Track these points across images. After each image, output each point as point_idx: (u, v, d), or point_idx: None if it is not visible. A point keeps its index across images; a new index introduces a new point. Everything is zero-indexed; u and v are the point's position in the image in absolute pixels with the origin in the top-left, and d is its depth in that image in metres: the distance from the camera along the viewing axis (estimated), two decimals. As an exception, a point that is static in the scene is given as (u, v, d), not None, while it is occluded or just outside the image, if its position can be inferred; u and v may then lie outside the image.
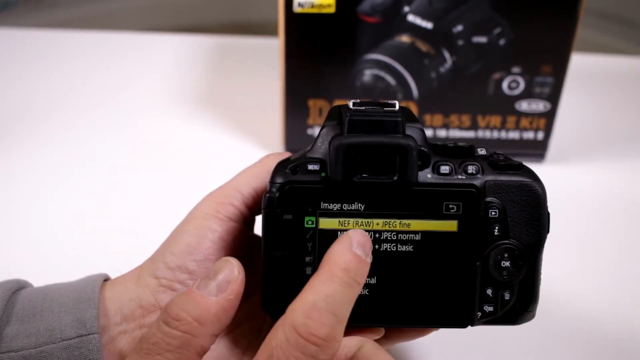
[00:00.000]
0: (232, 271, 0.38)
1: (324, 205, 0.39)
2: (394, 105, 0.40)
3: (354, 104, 0.40)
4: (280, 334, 0.34)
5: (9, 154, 0.75)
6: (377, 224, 0.40)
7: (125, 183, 0.71)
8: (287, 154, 0.42)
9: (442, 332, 0.45)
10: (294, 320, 0.34)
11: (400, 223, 0.40)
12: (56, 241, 0.63)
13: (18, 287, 0.43)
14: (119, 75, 0.91)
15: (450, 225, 0.40)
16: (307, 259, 0.40)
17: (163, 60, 0.96)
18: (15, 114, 0.82)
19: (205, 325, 0.36)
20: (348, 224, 0.40)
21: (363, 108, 0.39)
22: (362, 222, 0.40)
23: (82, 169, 0.73)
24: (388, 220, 0.40)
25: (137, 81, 0.90)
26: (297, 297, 0.36)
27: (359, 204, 0.39)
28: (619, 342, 0.54)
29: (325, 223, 0.40)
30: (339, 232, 0.39)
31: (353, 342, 0.38)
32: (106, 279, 0.44)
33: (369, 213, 0.40)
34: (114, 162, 0.74)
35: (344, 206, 0.39)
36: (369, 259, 0.38)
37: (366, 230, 0.40)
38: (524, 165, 0.41)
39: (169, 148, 0.77)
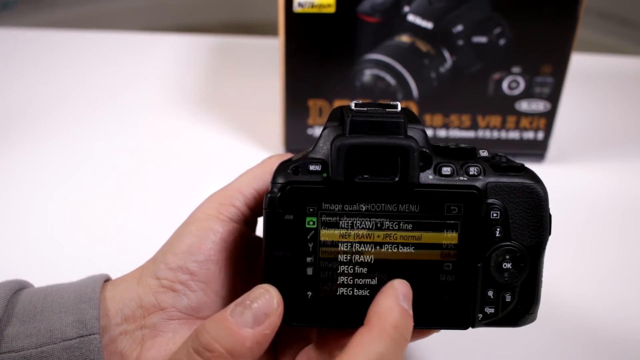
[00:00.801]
0: (271, 302, 0.36)
1: (325, 205, 0.39)
2: (395, 107, 0.40)
3: (355, 105, 0.40)
4: None
5: (9, 154, 0.75)
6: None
7: (125, 183, 0.71)
8: (289, 156, 0.42)
9: (443, 333, 0.45)
10: None
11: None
12: (56, 241, 0.63)
13: (19, 288, 0.43)
14: (119, 75, 0.91)
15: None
16: (308, 259, 0.40)
17: (163, 60, 0.96)
18: (15, 114, 0.82)
19: (237, 359, 0.35)
20: (349, 225, 0.40)
21: (365, 109, 0.39)
22: (364, 225, 0.40)
23: (82, 169, 0.73)
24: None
25: (137, 81, 0.90)
26: (347, 353, 0.34)
27: (360, 205, 0.39)
28: (621, 343, 0.54)
29: (327, 224, 0.40)
30: (339, 233, 0.40)
31: None
32: (107, 280, 0.44)
33: (370, 214, 0.40)
34: (114, 162, 0.74)
35: (345, 207, 0.39)
36: (412, 311, 0.37)
37: (368, 234, 0.40)
38: (525, 167, 0.41)
39: (169, 148, 0.77)
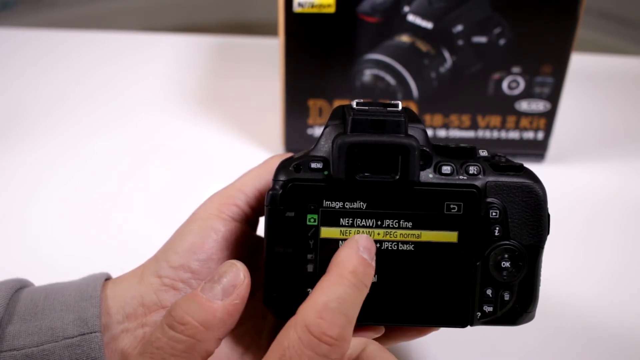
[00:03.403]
0: (238, 275, 0.38)
1: (326, 203, 0.40)
2: (396, 106, 0.40)
3: (357, 104, 0.40)
4: (292, 333, 0.35)
5: (9, 154, 0.75)
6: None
7: (125, 183, 0.71)
8: (291, 155, 0.42)
9: (442, 331, 0.45)
10: (306, 320, 0.35)
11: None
12: (56, 241, 0.63)
13: (20, 286, 0.43)
14: (119, 75, 0.91)
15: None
16: (309, 256, 0.40)
17: (163, 60, 0.96)
18: (15, 114, 0.82)
19: (210, 330, 0.36)
20: (350, 222, 0.40)
21: (366, 108, 0.40)
22: (364, 223, 0.40)
23: (82, 169, 0.73)
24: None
25: (137, 81, 0.90)
26: (308, 298, 0.36)
27: (361, 203, 0.40)
28: (619, 342, 0.54)
29: (328, 221, 0.40)
30: (340, 230, 0.40)
31: (357, 343, 0.39)
32: (108, 278, 0.44)
33: (371, 212, 0.40)
34: (114, 162, 0.74)
35: (346, 204, 0.40)
36: (374, 263, 0.38)
37: (368, 232, 0.40)
38: (524, 167, 0.41)
39: (169, 148, 0.77)
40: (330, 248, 0.40)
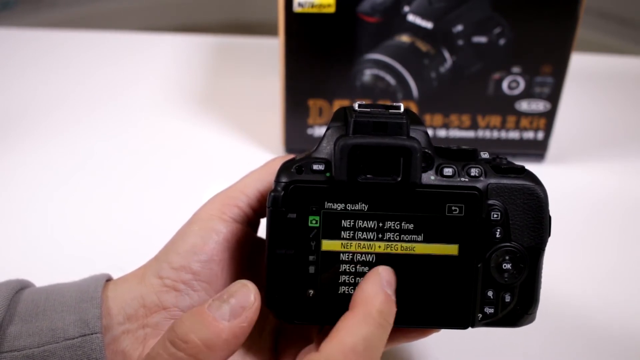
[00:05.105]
0: (248, 296, 0.36)
1: (328, 204, 0.40)
2: (398, 108, 0.40)
3: (359, 106, 0.40)
4: None
5: (9, 154, 0.75)
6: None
7: (125, 183, 0.71)
8: (292, 157, 0.42)
9: (443, 333, 0.45)
10: None
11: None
12: (56, 241, 0.63)
13: (21, 287, 0.43)
14: (119, 75, 0.91)
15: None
16: (311, 257, 0.40)
17: (163, 60, 0.96)
18: (15, 114, 0.82)
19: (213, 351, 0.35)
20: (352, 225, 0.40)
21: (368, 110, 0.40)
22: (366, 225, 0.40)
23: (83, 169, 0.73)
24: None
25: (137, 81, 0.90)
26: (334, 336, 0.35)
27: (363, 204, 0.40)
28: (619, 342, 0.54)
29: (329, 223, 0.40)
30: (342, 232, 0.40)
31: None
32: (109, 279, 0.44)
33: (372, 213, 0.40)
34: (114, 162, 0.74)
35: (348, 206, 0.40)
36: (394, 297, 0.38)
37: (370, 233, 0.40)
38: (526, 169, 0.41)
39: (169, 148, 0.77)
40: (332, 249, 0.40)
